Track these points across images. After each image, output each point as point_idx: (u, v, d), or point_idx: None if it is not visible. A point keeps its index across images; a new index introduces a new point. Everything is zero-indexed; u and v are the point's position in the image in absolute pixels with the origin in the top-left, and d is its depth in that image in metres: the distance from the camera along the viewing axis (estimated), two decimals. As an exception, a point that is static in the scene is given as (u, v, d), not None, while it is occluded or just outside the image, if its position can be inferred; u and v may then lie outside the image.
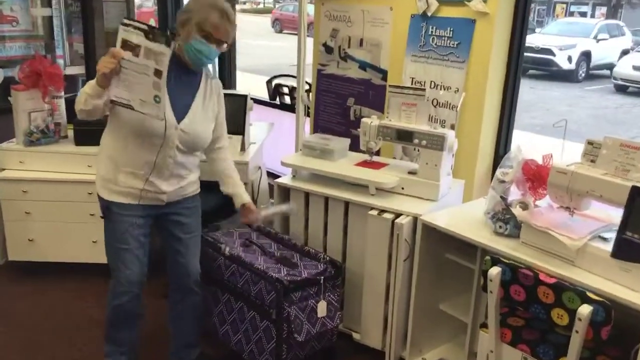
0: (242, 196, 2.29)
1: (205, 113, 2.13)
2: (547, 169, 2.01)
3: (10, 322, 2.77)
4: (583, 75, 12.14)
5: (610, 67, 11.97)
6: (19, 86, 3.05)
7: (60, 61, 4.38)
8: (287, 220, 2.69)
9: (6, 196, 3.00)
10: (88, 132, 2.98)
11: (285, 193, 2.66)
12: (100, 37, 4.52)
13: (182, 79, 2.05)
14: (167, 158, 2.05)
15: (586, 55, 12.18)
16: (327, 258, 2.37)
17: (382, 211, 2.34)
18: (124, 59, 1.80)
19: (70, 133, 3.12)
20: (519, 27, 2.65)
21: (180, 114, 2.04)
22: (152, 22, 4.86)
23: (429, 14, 2.78)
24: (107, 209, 2.09)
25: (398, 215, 2.31)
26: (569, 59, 11.91)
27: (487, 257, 1.89)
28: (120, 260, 2.11)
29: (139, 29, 1.78)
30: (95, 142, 2.22)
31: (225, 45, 2.06)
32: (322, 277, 2.26)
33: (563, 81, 11.63)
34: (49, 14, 4.06)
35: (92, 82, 1.87)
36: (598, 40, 12.55)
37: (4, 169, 3.04)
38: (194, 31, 1.98)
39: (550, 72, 11.82)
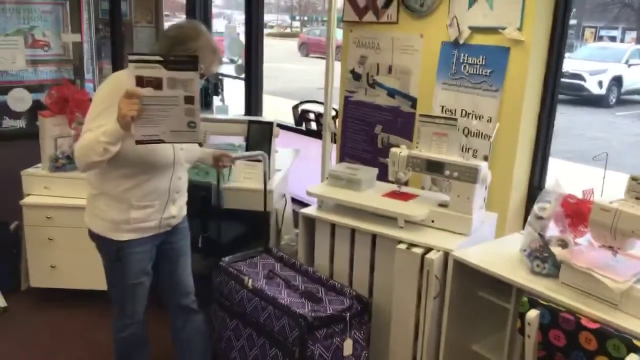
0: (206, 151, 2.35)
1: None
2: (588, 204, 1.90)
3: (30, 350, 2.74)
4: (614, 100, 11.91)
5: (642, 92, 11.73)
6: (46, 112, 3.07)
7: (90, 85, 4.43)
8: (312, 251, 2.61)
9: (30, 222, 2.99)
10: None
11: (310, 224, 2.58)
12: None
13: None
14: (177, 181, 2.08)
15: (617, 80, 11.95)
16: (354, 293, 2.28)
17: (411, 245, 2.25)
18: (144, 97, 1.70)
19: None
20: (555, 55, 2.56)
21: None
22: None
23: (461, 41, 2.71)
24: (119, 250, 2.04)
25: (428, 250, 2.21)
26: (600, 84, 11.70)
27: (525, 299, 1.78)
28: (132, 296, 2.10)
29: (153, 61, 1.68)
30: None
31: None
32: (348, 314, 2.17)
33: (594, 106, 11.41)
34: (79, 40, 4.11)
35: (110, 129, 1.75)
36: (630, 65, 12.32)
37: (29, 195, 3.05)
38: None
39: (580, 97, 11.62)
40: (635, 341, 1.53)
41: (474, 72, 2.70)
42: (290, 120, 4.10)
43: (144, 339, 2.21)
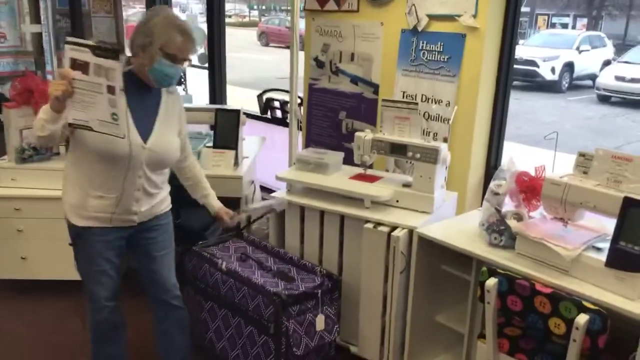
0: (213, 204, 2.36)
1: (170, 128, 2.11)
2: (540, 180, 2.05)
3: (3, 342, 2.74)
4: (566, 85, 12.33)
5: (592, 77, 12.17)
6: (11, 104, 3.04)
7: (50, 77, 4.37)
8: (283, 234, 2.70)
9: (-2, 214, 2.98)
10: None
11: (280, 207, 2.67)
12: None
13: (143, 97, 2.02)
14: (136, 178, 2.03)
15: (569, 66, 12.37)
16: (324, 271, 2.38)
17: (378, 224, 2.36)
18: (75, 79, 1.74)
19: (62, 149, 3.11)
20: (509, 40, 2.71)
21: (145, 133, 2.01)
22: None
23: (420, 29, 2.82)
24: (78, 235, 2.06)
25: (394, 228, 2.33)
26: (553, 70, 12.09)
27: (484, 269, 1.92)
28: (94, 281, 2.10)
29: (85, 45, 1.73)
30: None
31: (187, 62, 2.06)
32: (320, 291, 2.27)
33: (547, 92, 11.79)
34: (39, 31, 4.05)
35: (47, 107, 1.80)
36: (580, 52, 12.77)
37: (-5, 187, 3.02)
38: (158, 55, 1.95)
39: (534, 83, 11.99)
40: (584, 303, 1.68)
41: (433, 58, 2.82)
42: (253, 109, 4.16)
43: (117, 324, 2.18)
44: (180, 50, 1.98)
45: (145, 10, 4.71)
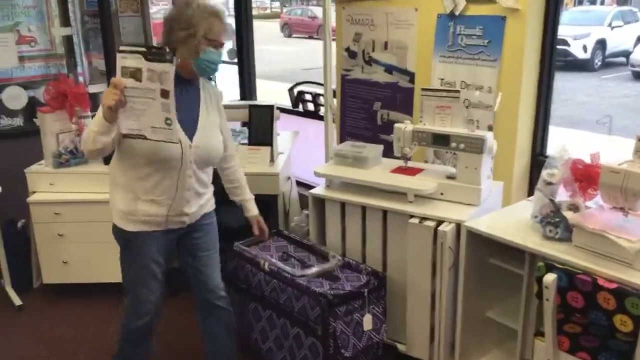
0: (251, 209, 2.37)
1: (212, 122, 2.08)
2: (596, 168, 1.94)
3: (48, 346, 2.76)
4: (599, 64, 11.95)
5: (626, 54, 11.76)
6: (46, 108, 3.04)
7: (81, 79, 4.38)
8: (323, 230, 2.64)
9: (39, 219, 2.99)
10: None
11: (320, 204, 2.61)
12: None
13: (183, 94, 1.97)
14: (187, 178, 2.00)
15: (601, 44, 11.98)
16: (369, 269, 2.32)
17: (423, 219, 2.29)
18: (127, 88, 1.71)
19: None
20: (552, 21, 2.58)
21: (190, 131, 1.98)
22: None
23: (457, 13, 2.72)
24: (128, 240, 2.03)
25: (440, 222, 2.25)
26: (584, 48, 11.72)
27: (541, 264, 1.83)
28: (143, 285, 2.07)
29: (136, 52, 1.69)
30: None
31: (222, 47, 2.04)
32: (366, 290, 2.21)
33: (579, 71, 11.45)
34: (69, 33, 4.05)
35: (99, 119, 1.76)
36: (612, 28, 12.35)
37: (34, 192, 3.03)
38: (203, 44, 1.93)
39: (565, 62, 11.65)
40: (652, 297, 1.59)
41: (471, 43, 2.71)
42: (282, 102, 4.10)
43: (150, 332, 2.17)
44: (220, 35, 1.97)
45: (169, 6, 4.67)
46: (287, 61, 13.17)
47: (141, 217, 1.99)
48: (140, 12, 4.79)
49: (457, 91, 2.43)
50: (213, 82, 4.40)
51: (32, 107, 3.67)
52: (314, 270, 2.31)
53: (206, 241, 2.18)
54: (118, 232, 2.05)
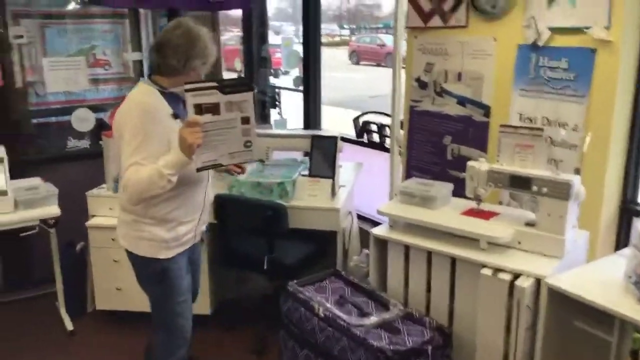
0: None
1: None
2: None
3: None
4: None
5: None
6: (110, 132, 3.03)
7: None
8: (384, 274, 2.45)
9: (96, 244, 2.97)
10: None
11: (382, 245, 2.43)
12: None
13: (182, 109, 1.98)
14: (208, 189, 2.15)
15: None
16: (434, 323, 2.10)
17: (498, 270, 2.05)
18: (204, 123, 1.73)
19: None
20: (650, 54, 2.32)
21: None
22: (238, 63, 4.87)
23: (540, 43, 2.49)
24: (166, 269, 2.04)
25: (516, 275, 2.01)
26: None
27: (637, 335, 1.56)
28: (180, 314, 2.11)
29: (209, 88, 1.72)
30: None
31: None
32: (430, 347, 2.00)
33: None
34: (140, 58, 4.12)
35: (173, 160, 1.76)
36: None
37: (94, 216, 3.02)
38: (205, 70, 2.02)
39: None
40: None
41: (556, 76, 2.48)
42: (346, 129, 3.96)
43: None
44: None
45: (241, 34, 4.68)
46: (354, 88, 13.09)
47: (182, 240, 2.05)
48: (214, 39, 4.83)
49: (541, 129, 2.21)
50: (277, 110, 4.38)
51: (100, 129, 3.72)
52: (372, 320, 2.11)
53: (200, 253, 2.33)
54: (154, 265, 2.02)
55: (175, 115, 1.89)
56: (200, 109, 1.71)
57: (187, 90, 1.72)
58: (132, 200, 1.87)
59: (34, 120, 3.69)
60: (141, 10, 4.01)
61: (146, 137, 1.82)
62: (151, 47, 2.04)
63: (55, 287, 3.09)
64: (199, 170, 1.80)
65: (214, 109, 1.72)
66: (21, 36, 3.46)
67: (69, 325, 3.02)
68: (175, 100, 1.97)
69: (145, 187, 1.79)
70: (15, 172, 2.95)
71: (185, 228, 2.04)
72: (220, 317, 3.03)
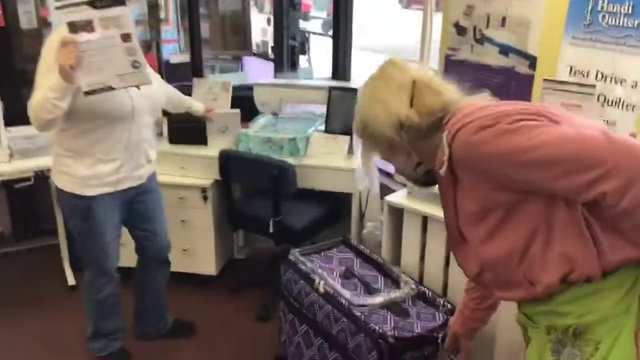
0: (196, 105, 2.55)
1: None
2: None
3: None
4: None
5: None
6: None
7: (171, 46, 4.22)
8: (399, 246, 2.19)
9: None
10: (184, 130, 2.71)
11: (398, 214, 2.15)
12: (216, 22, 4.31)
13: None
14: (142, 129, 2.04)
15: None
16: (448, 306, 1.84)
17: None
18: (80, 43, 1.62)
19: (164, 129, 2.83)
20: None
21: None
22: (267, 5, 4.55)
23: (601, -18, 2.09)
24: (88, 207, 2.01)
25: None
26: None
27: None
28: (104, 254, 2.11)
29: (80, 3, 1.59)
30: (192, 141, 2.51)
31: None
32: (441, 334, 1.73)
33: None
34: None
35: (55, 84, 1.69)
36: None
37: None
38: None
39: None
40: None
41: (616, 23, 2.09)
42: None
43: (119, 299, 2.25)
44: None
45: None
46: (402, 34, 12.46)
47: (104, 179, 2.00)
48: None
49: (592, 86, 1.87)
50: (306, 57, 4.05)
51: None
52: (378, 299, 1.86)
53: (157, 200, 2.25)
54: (75, 202, 2.02)
55: (125, 36, 1.76)
56: (74, 28, 1.62)
57: (57, 8, 1.65)
58: (34, 124, 1.85)
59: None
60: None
61: (50, 66, 1.77)
62: None
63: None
64: (87, 94, 1.71)
65: (87, 26, 1.62)
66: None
67: (71, 279, 2.91)
68: None
69: (37, 111, 1.78)
70: (17, 122, 2.76)
71: (107, 167, 1.99)
72: (226, 279, 2.85)
